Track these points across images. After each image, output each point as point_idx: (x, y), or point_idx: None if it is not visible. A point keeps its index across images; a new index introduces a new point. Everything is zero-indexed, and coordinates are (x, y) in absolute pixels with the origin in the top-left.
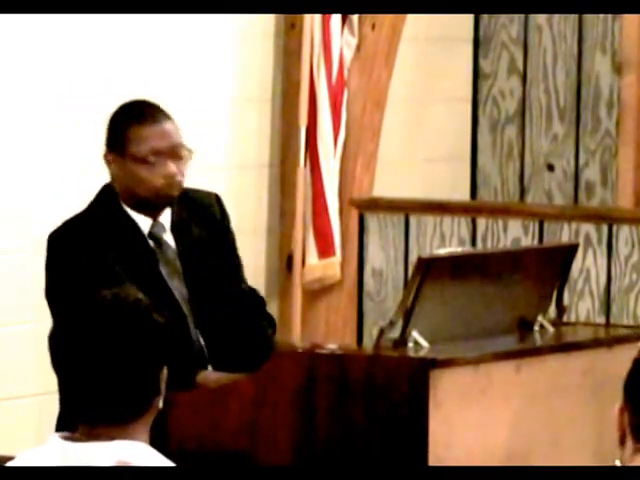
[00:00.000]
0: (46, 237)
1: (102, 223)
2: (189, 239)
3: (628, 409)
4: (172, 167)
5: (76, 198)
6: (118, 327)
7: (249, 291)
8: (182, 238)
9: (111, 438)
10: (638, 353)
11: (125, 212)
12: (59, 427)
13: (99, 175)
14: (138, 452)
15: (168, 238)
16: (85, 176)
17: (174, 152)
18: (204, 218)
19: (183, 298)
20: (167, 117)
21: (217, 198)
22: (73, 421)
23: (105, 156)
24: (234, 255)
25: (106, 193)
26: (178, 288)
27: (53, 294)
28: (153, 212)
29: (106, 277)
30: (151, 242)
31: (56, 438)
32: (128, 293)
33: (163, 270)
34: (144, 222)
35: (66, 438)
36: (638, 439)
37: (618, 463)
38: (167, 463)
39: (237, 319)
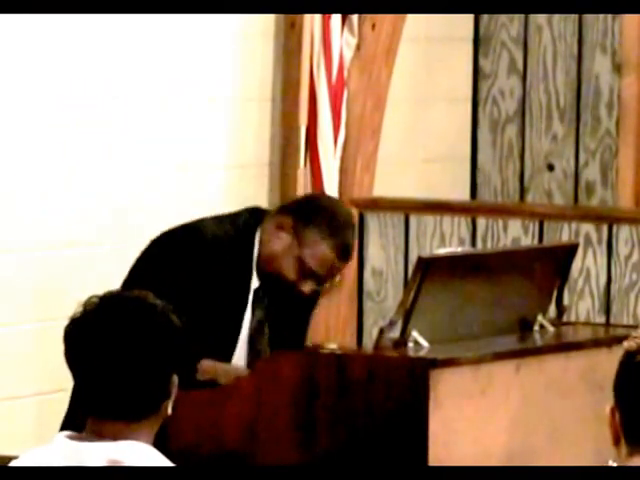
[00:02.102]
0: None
1: (223, 253)
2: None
3: (618, 410)
4: (309, 287)
5: (76, 198)
6: (135, 325)
7: None
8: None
9: (115, 437)
10: (623, 354)
11: (251, 258)
12: (66, 424)
13: (99, 175)
14: (134, 452)
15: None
16: (85, 176)
17: (324, 282)
18: None
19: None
20: (351, 255)
21: None
22: (79, 419)
23: (284, 219)
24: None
25: (249, 230)
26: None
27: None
28: (263, 281)
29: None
30: (251, 296)
31: (61, 437)
32: (147, 295)
33: (252, 324)
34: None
35: (71, 437)
36: (631, 440)
37: (611, 463)
38: (167, 463)
39: None
